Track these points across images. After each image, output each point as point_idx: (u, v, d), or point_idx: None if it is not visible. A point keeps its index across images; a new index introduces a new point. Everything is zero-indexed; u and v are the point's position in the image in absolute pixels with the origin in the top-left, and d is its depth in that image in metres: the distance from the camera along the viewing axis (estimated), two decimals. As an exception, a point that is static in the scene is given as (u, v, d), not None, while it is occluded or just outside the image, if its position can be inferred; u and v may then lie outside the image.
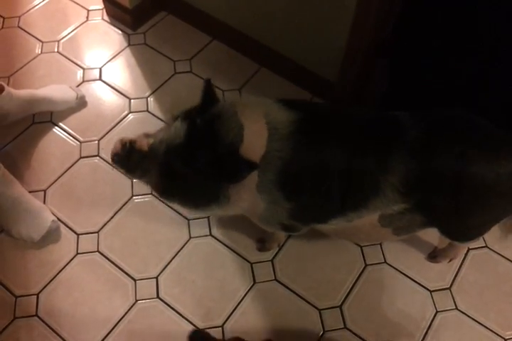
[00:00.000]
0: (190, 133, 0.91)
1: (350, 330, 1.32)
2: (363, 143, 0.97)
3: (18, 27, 1.86)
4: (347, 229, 1.11)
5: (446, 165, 0.92)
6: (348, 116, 1.03)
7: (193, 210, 1.06)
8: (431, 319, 1.34)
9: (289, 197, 0.99)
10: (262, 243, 1.41)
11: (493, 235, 1.47)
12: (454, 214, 1.02)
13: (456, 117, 1.00)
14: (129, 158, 0.96)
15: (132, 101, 1.71)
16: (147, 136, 0.98)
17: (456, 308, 1.36)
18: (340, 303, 1.36)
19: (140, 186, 1.51)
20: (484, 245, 1.46)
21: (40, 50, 1.80)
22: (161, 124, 1.64)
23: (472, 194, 0.96)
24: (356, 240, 1.39)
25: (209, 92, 0.98)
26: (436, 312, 1.35)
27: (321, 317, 1.33)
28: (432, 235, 1.44)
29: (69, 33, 1.86)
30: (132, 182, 1.52)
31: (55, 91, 1.64)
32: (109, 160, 1.54)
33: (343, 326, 1.32)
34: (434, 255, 1.42)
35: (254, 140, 0.92)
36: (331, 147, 0.95)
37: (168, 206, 1.48)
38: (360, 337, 1.31)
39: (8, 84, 1.50)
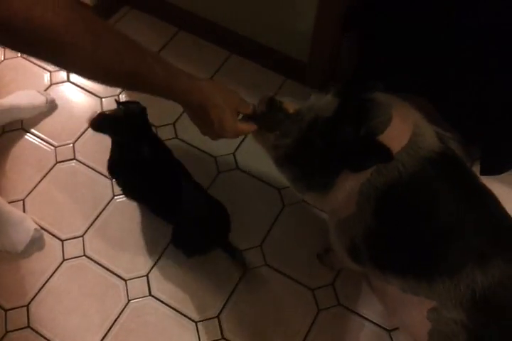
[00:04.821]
0: (341, 111, 0.87)
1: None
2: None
3: (-22, 35, 1.81)
4: None
5: None
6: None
7: (299, 188, 0.99)
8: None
9: (379, 216, 0.89)
10: (326, 253, 1.33)
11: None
12: None
13: None
14: (274, 116, 0.93)
15: (104, 99, 1.67)
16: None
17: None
18: (332, 282, 1.35)
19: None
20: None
21: (2, 56, 1.76)
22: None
23: None
24: None
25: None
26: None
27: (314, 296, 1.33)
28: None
29: (31, 37, 1.81)
30: (112, 182, 1.49)
31: (23, 97, 1.59)
32: (87, 163, 1.53)
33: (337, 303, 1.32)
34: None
35: (392, 140, 0.84)
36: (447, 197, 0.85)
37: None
38: (354, 312, 1.31)
39: (-27, 95, 1.46)
